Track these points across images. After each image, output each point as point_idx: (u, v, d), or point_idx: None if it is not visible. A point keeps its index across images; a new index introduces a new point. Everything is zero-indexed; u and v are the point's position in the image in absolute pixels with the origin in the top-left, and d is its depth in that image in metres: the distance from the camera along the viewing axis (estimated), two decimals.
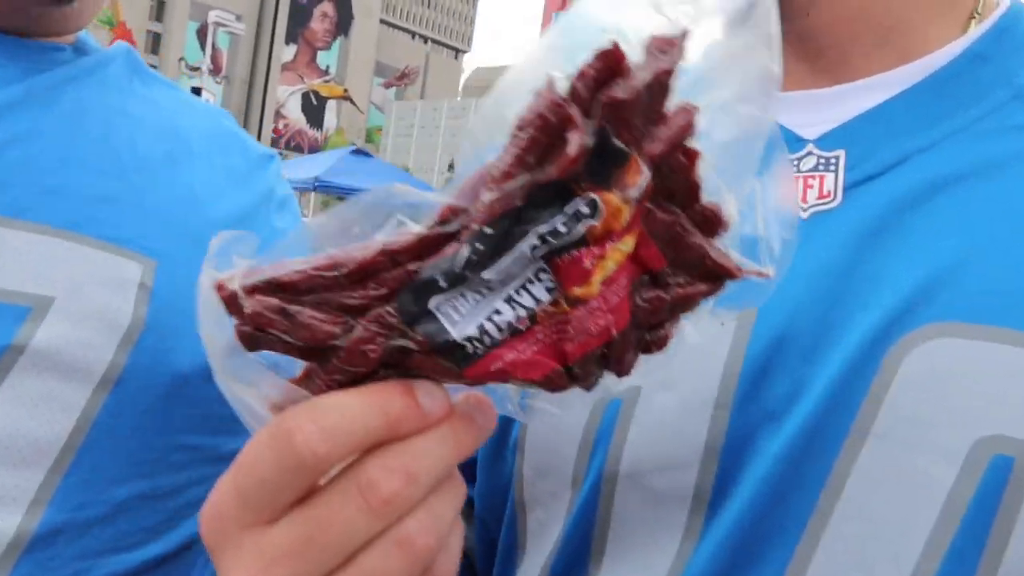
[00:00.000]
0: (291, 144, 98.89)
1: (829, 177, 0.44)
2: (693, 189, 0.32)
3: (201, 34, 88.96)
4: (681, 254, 0.32)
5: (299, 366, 0.31)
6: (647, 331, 0.33)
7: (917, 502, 0.38)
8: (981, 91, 0.45)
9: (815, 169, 0.45)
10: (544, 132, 0.29)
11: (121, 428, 0.49)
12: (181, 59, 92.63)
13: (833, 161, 0.45)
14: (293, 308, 0.30)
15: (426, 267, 0.30)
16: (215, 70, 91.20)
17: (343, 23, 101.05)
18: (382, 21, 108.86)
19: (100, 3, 0.64)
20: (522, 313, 0.31)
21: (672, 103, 0.30)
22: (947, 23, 0.48)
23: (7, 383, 0.45)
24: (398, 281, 0.30)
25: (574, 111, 0.29)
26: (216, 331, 0.30)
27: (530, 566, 0.49)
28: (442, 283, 0.30)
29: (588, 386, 0.33)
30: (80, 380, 0.47)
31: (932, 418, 0.38)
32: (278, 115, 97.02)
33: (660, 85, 0.30)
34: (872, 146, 0.45)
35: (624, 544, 0.44)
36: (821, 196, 0.44)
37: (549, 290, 0.31)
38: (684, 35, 0.30)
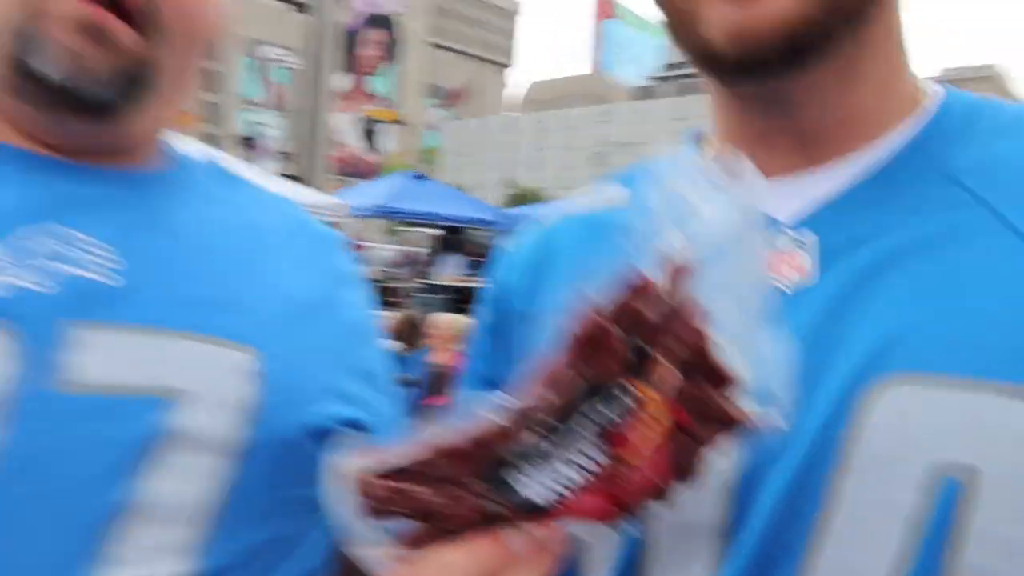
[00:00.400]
0: (350, 170, 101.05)
1: (803, 255, 0.53)
2: (708, 361, 0.41)
3: (257, 70, 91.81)
4: (705, 412, 0.41)
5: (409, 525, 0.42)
6: (684, 471, 0.42)
7: (889, 524, 0.46)
8: (920, 177, 0.54)
9: (790, 248, 0.54)
10: (591, 345, 0.40)
11: (251, 488, 0.61)
12: (240, 95, 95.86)
13: (806, 244, 0.54)
14: (407, 487, 0.41)
15: (505, 449, 0.41)
16: (278, 105, 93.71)
17: (393, 49, 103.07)
18: (430, 44, 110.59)
19: (169, 121, 0.70)
20: (584, 474, 0.41)
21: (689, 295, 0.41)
22: (897, 112, 0.57)
23: (169, 461, 0.57)
24: (484, 460, 0.41)
25: (615, 330, 0.40)
26: (345, 505, 0.41)
27: None
28: (516, 460, 0.41)
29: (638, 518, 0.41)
30: (219, 454, 0.59)
31: (896, 453, 0.46)
32: (336, 144, 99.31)
33: (681, 310, 0.40)
34: (838, 231, 0.53)
35: (663, 569, 0.53)
36: (799, 272, 0.53)
37: (605, 453, 0.41)
38: (685, 269, 0.40)
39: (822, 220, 0.54)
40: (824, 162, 0.56)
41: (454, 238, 17.04)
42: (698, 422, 0.41)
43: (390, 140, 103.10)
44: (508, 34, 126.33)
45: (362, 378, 0.71)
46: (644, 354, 0.41)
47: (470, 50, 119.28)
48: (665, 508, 0.43)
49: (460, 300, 14.19)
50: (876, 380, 0.48)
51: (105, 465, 0.55)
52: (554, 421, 0.40)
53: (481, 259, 15.60)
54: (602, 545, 0.47)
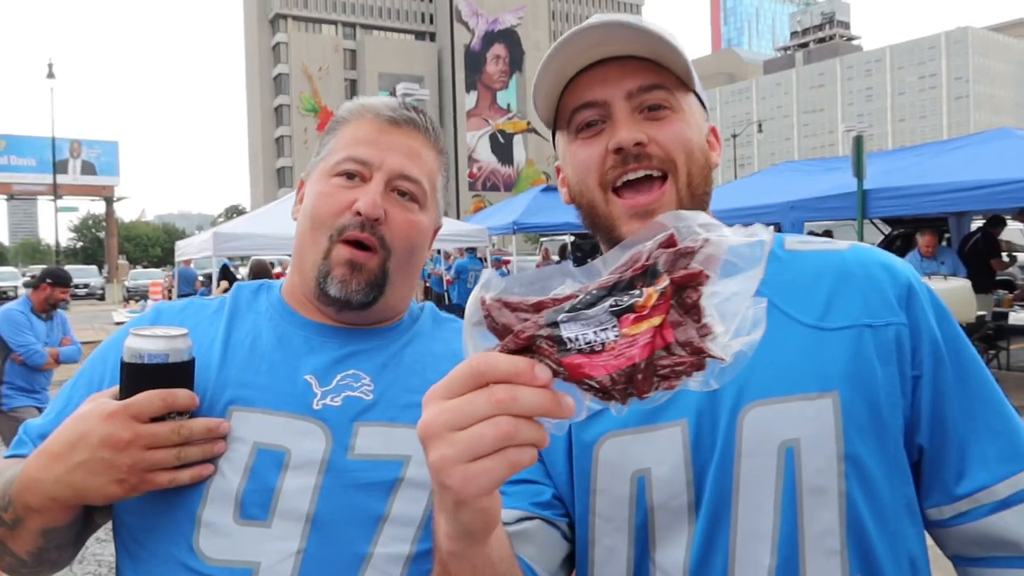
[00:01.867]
0: (488, 185, 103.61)
1: None
2: (697, 311, 0.60)
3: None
4: (682, 338, 0.60)
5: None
6: (661, 378, 0.60)
7: (767, 478, 0.84)
8: None
9: None
10: (633, 263, 0.61)
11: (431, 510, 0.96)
12: None
13: None
14: (502, 313, 0.61)
15: (562, 305, 0.60)
16: None
17: (515, 60, 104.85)
18: None
19: (405, 296, 1.11)
20: (600, 339, 0.59)
21: (698, 261, 0.60)
22: None
23: (403, 494, 0.95)
24: (549, 308, 0.60)
25: (647, 257, 0.62)
26: (471, 317, 0.63)
27: (615, 561, 0.91)
28: (568, 314, 0.60)
29: (623, 402, 0.60)
30: (426, 490, 0.94)
31: (761, 440, 0.85)
32: (471, 160, 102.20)
33: (683, 253, 0.61)
34: None
35: (664, 540, 0.88)
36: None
37: (614, 334, 0.59)
38: (711, 254, 0.60)
39: None
40: None
41: (585, 242, 17.49)
42: (675, 341, 0.59)
43: (522, 150, 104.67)
44: None
45: None
46: (658, 272, 0.60)
47: None
48: (632, 401, 0.60)
49: None
50: (743, 406, 0.85)
51: (378, 493, 0.94)
52: (596, 298, 0.60)
53: None
54: (567, 422, 0.63)
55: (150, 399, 0.87)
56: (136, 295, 27.52)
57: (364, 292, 1.01)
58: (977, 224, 9.60)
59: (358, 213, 1.00)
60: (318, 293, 1.02)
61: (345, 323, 1.05)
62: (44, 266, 12.31)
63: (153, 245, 75.87)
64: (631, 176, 0.89)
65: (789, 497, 0.84)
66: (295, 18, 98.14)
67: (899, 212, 8.24)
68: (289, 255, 1.70)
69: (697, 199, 0.90)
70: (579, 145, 0.93)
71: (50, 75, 29.63)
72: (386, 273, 1.03)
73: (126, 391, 0.89)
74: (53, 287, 5.53)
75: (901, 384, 0.87)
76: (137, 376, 0.89)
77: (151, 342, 0.90)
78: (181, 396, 0.89)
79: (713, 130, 0.97)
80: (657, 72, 0.90)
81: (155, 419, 0.87)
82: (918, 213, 8.16)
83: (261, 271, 10.57)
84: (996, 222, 7.67)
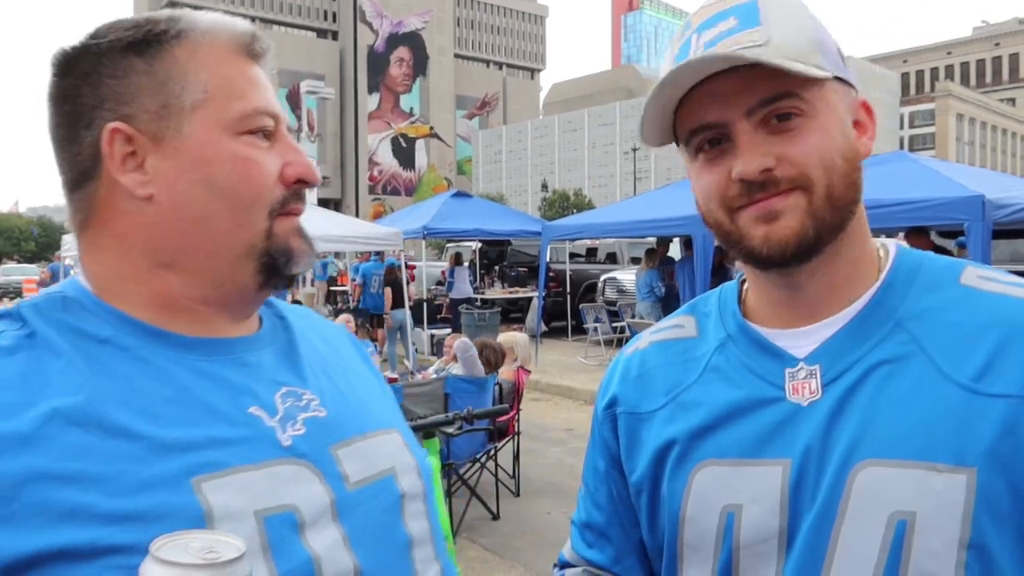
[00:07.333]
0: (388, 188, 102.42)
1: (813, 381, 0.80)
2: None
3: (291, 99, 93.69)
4: None
5: None
6: None
7: (870, 549, 0.75)
8: (879, 324, 0.81)
9: (806, 377, 0.81)
10: None
11: (434, 516, 0.89)
12: None
13: (814, 371, 0.80)
14: None
15: None
16: (309, 130, 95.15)
17: (419, 64, 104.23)
18: (456, 55, 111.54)
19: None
20: None
21: None
22: (868, 276, 0.84)
23: (408, 512, 0.83)
24: None
25: None
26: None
27: None
28: None
29: None
30: (420, 498, 0.86)
31: (869, 506, 0.75)
32: (371, 163, 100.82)
33: None
34: (833, 362, 0.80)
35: None
36: (811, 392, 0.80)
37: None
38: None
39: (822, 356, 0.81)
40: (823, 318, 0.83)
41: (492, 250, 17.45)
42: None
43: (424, 154, 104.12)
44: (539, 39, 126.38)
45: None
46: None
47: (498, 58, 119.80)
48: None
49: (508, 313, 14.64)
50: (857, 461, 0.76)
51: (393, 519, 0.82)
52: None
53: (524, 270, 16.05)
54: None
55: None
56: (8, 292, 25.26)
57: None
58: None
59: (298, 181, 0.81)
60: (263, 281, 0.80)
61: (226, 331, 0.81)
62: None
63: (26, 239, 71.16)
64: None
65: (891, 569, 0.74)
66: (190, 7, 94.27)
67: None
68: None
69: (838, 209, 0.79)
70: (700, 168, 0.83)
71: None
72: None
73: None
74: None
75: None
76: None
77: None
78: None
79: (864, 106, 0.85)
80: (780, 76, 0.76)
81: None
82: None
83: None
84: (920, 232, 8.05)
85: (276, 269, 0.80)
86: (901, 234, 8.05)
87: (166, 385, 0.73)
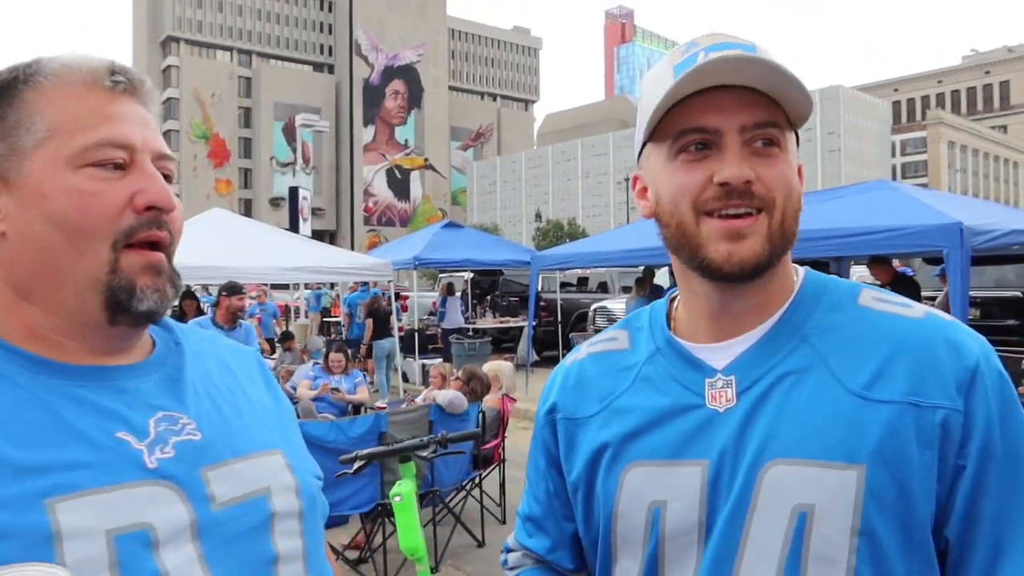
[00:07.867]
0: (383, 220, 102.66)
1: (730, 390, 0.89)
2: None
3: (287, 132, 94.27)
4: None
5: None
6: None
7: (776, 537, 0.84)
8: (788, 337, 0.91)
9: (723, 386, 0.90)
10: None
11: (314, 538, 0.91)
12: (272, 158, 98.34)
13: (731, 381, 0.90)
14: None
15: None
16: (304, 161, 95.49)
17: (414, 97, 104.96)
18: (451, 87, 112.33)
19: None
20: None
21: None
22: (782, 296, 0.93)
23: (278, 530, 0.86)
24: None
25: None
26: None
27: None
28: None
29: None
30: (297, 519, 0.88)
31: (776, 498, 0.85)
32: (367, 194, 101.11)
33: None
34: (747, 373, 0.90)
35: (671, 571, 0.91)
36: (727, 400, 0.89)
37: None
38: None
39: (737, 368, 0.90)
40: (742, 333, 0.92)
41: (484, 280, 17.53)
42: None
43: (419, 186, 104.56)
44: (533, 71, 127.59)
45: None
46: None
47: (492, 90, 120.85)
48: None
49: (499, 342, 14.68)
50: (766, 461, 0.86)
51: (260, 537, 0.84)
52: None
53: (516, 299, 16.12)
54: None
55: None
56: None
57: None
58: (858, 268, 10.15)
59: (149, 208, 0.81)
60: (111, 316, 0.81)
61: (107, 359, 0.85)
62: None
63: None
64: (731, 211, 0.87)
65: (794, 560, 0.84)
66: (188, 42, 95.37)
67: None
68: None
69: (787, 238, 0.90)
70: (679, 167, 0.90)
71: None
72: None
73: None
74: (228, 297, 5.68)
75: (940, 471, 0.84)
76: None
77: None
78: None
79: (799, 169, 0.95)
80: (772, 108, 0.88)
81: None
82: (803, 256, 8.62)
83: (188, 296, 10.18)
84: (881, 261, 8.15)
85: (120, 304, 0.81)
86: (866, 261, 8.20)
87: (36, 411, 0.76)
